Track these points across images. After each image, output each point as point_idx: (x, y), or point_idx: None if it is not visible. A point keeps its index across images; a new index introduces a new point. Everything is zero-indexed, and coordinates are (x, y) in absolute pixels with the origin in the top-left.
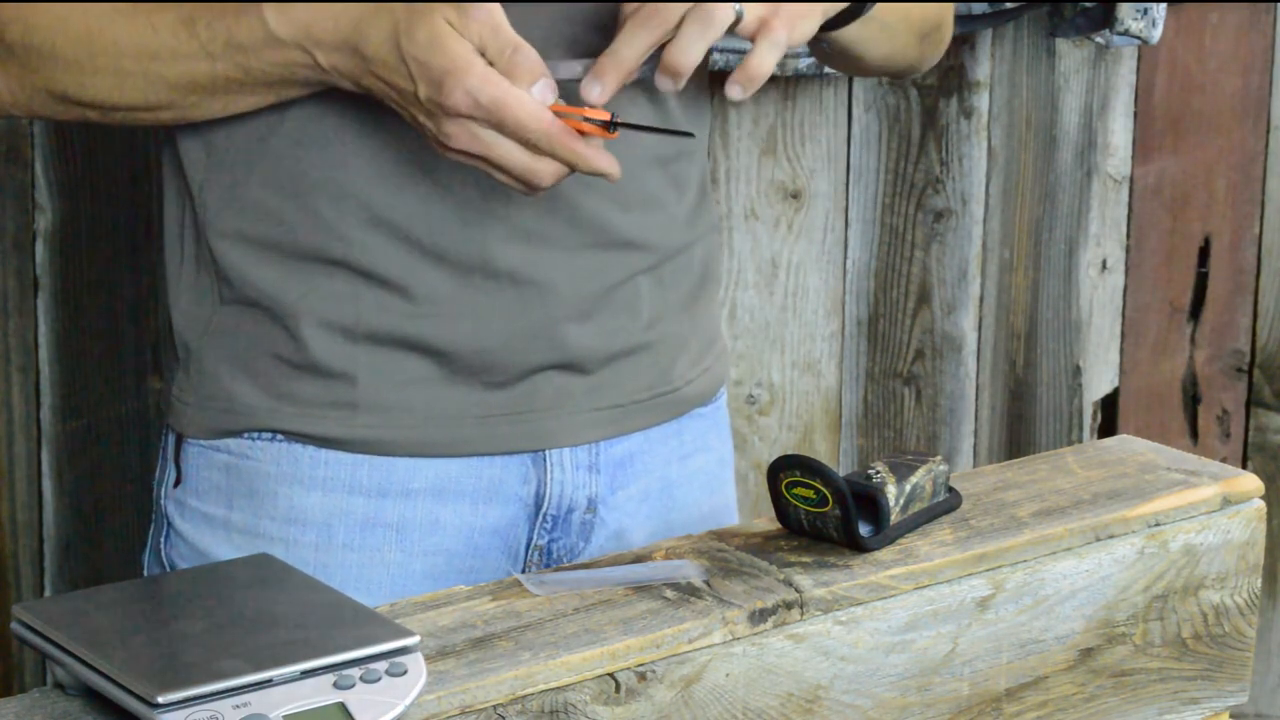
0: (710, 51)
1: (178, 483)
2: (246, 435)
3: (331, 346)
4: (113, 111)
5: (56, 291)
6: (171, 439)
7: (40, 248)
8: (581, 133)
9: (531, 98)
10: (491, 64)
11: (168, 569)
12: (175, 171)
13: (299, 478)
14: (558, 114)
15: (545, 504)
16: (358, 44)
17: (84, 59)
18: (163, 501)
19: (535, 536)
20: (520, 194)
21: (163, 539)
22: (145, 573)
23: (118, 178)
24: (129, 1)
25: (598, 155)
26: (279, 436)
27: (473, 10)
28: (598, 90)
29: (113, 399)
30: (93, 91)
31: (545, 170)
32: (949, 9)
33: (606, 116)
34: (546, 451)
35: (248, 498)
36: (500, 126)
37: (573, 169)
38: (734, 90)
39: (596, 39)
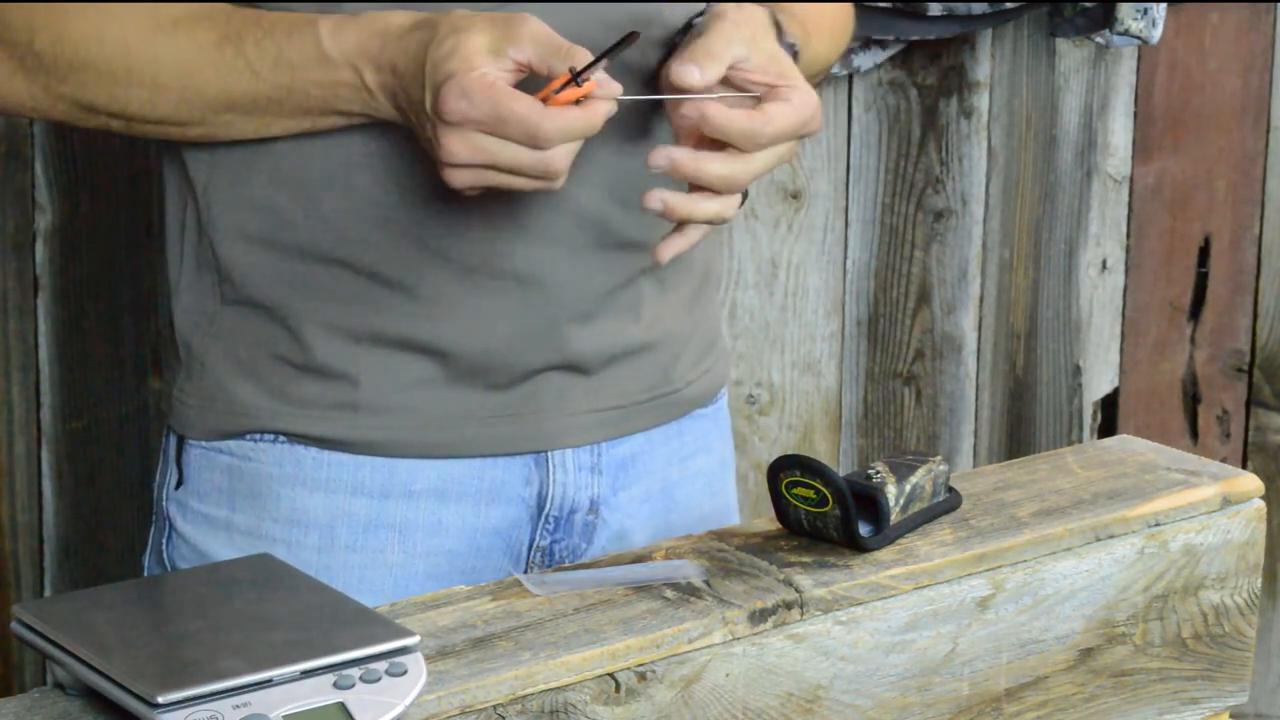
0: None
1: (179, 484)
2: (249, 437)
3: (334, 347)
4: (141, 124)
5: (56, 291)
6: (173, 440)
7: (40, 248)
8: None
9: (524, 94)
10: (551, 69)
11: (169, 571)
12: (177, 171)
13: (301, 479)
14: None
15: (548, 505)
16: (395, 59)
17: (119, 71)
18: (164, 503)
19: (538, 537)
20: (540, 192)
21: (164, 540)
22: (146, 574)
23: (118, 178)
24: (171, 2)
25: (598, 107)
26: (281, 438)
27: (521, 24)
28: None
29: (113, 399)
30: (123, 104)
31: (557, 155)
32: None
33: (567, 77)
34: (549, 453)
35: (250, 499)
36: (500, 125)
37: (585, 136)
38: (664, 255)
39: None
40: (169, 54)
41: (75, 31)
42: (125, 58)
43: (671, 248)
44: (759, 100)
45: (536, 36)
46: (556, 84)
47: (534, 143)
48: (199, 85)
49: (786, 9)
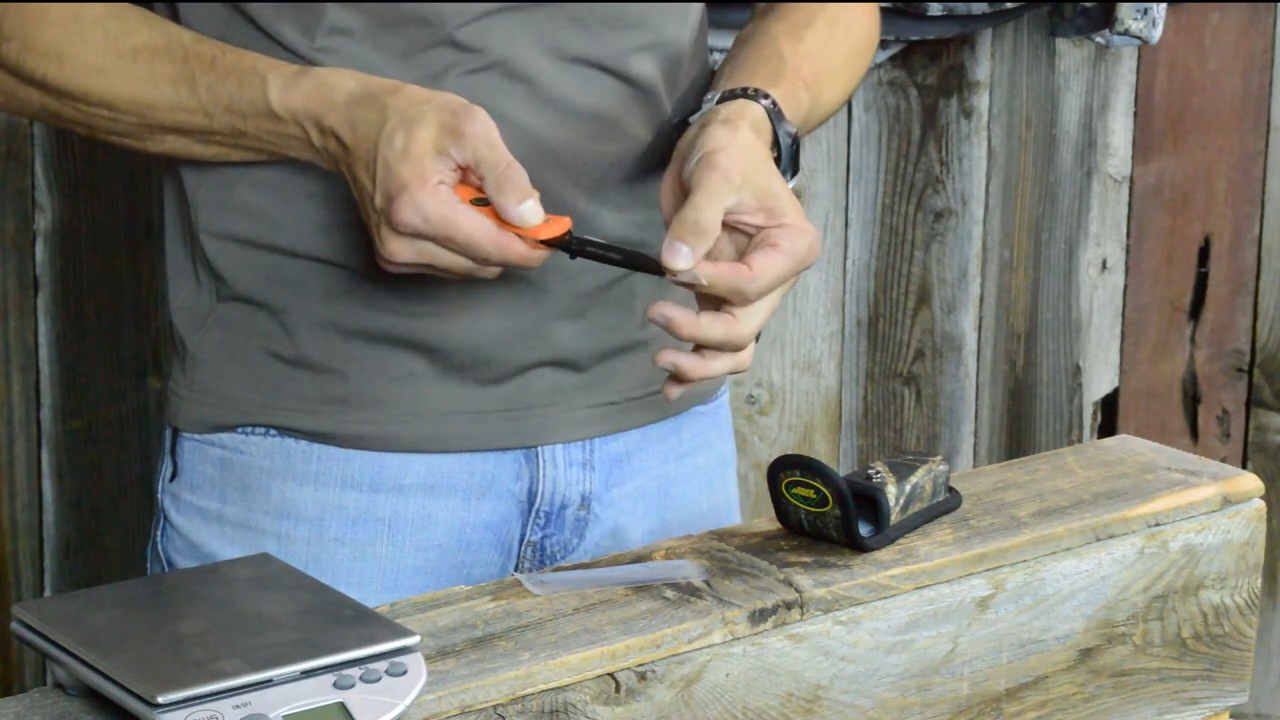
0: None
1: (174, 476)
2: (240, 430)
3: (324, 343)
4: (105, 136)
5: (56, 291)
6: (169, 433)
7: (40, 248)
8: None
9: (480, 215)
10: (482, 178)
11: (165, 563)
12: (171, 174)
13: (291, 472)
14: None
15: (538, 500)
16: (339, 129)
17: (78, 91)
18: (160, 495)
19: (528, 532)
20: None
21: (159, 533)
22: (148, 567)
23: (118, 178)
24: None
25: (542, 256)
26: (272, 431)
27: (468, 123)
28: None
29: (113, 399)
30: (86, 118)
31: (490, 271)
32: (870, 16)
33: (566, 227)
34: (539, 448)
35: (241, 492)
36: (449, 243)
37: (518, 269)
38: (672, 392)
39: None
40: (126, 84)
41: (39, 45)
42: (84, 79)
43: (679, 390)
44: (750, 238)
45: (478, 143)
46: (533, 232)
47: (474, 259)
48: (157, 116)
49: (791, 65)
